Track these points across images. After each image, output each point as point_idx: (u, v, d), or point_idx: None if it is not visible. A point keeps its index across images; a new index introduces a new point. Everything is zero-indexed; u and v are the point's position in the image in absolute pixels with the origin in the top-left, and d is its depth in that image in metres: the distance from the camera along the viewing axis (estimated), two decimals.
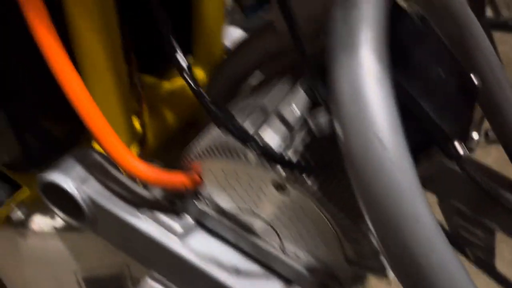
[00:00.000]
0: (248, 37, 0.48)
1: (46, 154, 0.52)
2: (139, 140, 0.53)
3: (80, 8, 0.42)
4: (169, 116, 0.59)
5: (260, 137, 0.36)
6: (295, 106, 0.39)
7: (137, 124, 0.54)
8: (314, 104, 0.41)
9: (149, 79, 0.62)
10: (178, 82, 0.63)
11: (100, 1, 0.42)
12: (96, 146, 0.51)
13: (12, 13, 0.39)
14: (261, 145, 0.35)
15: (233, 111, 0.42)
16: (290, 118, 0.39)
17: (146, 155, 0.54)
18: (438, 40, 0.45)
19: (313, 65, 0.34)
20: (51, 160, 0.52)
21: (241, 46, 0.48)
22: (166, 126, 0.58)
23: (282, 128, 0.38)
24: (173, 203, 0.45)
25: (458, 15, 0.46)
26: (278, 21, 0.41)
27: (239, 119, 0.39)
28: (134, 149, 0.52)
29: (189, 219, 0.45)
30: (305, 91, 0.39)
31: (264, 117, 0.38)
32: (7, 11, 0.42)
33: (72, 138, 0.53)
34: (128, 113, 0.50)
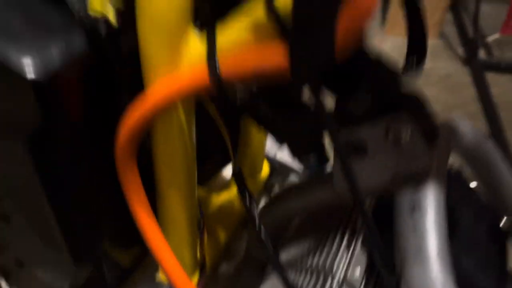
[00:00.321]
0: (302, 184, 0.53)
1: (113, 282, 0.56)
2: (199, 267, 0.57)
3: (169, 178, 0.47)
4: (221, 233, 0.62)
5: None
6: (358, 270, 0.44)
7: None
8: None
9: (199, 192, 0.65)
10: (225, 195, 0.66)
11: (187, 166, 0.46)
12: (162, 276, 0.55)
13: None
14: None
15: (294, 267, 0.47)
16: (356, 284, 0.43)
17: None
18: (473, 196, 0.50)
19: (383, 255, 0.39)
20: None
21: (297, 190, 0.53)
22: (219, 244, 0.62)
23: None
24: None
25: (493, 165, 0.52)
26: (339, 184, 0.45)
27: (305, 280, 0.44)
28: (195, 279, 0.56)
29: None
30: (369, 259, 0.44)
31: (331, 283, 0.43)
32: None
33: (136, 264, 0.58)
34: (195, 246, 0.54)
